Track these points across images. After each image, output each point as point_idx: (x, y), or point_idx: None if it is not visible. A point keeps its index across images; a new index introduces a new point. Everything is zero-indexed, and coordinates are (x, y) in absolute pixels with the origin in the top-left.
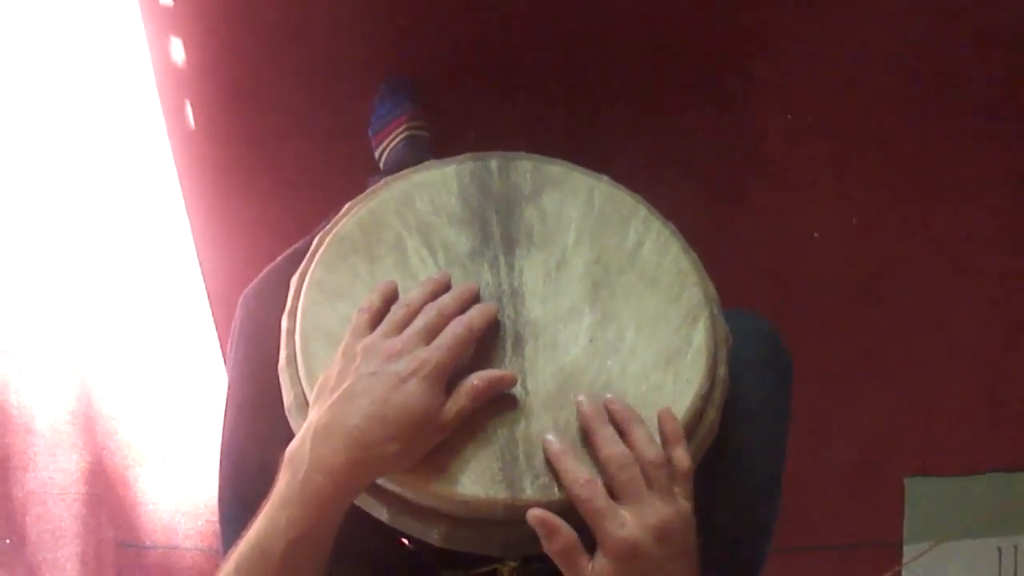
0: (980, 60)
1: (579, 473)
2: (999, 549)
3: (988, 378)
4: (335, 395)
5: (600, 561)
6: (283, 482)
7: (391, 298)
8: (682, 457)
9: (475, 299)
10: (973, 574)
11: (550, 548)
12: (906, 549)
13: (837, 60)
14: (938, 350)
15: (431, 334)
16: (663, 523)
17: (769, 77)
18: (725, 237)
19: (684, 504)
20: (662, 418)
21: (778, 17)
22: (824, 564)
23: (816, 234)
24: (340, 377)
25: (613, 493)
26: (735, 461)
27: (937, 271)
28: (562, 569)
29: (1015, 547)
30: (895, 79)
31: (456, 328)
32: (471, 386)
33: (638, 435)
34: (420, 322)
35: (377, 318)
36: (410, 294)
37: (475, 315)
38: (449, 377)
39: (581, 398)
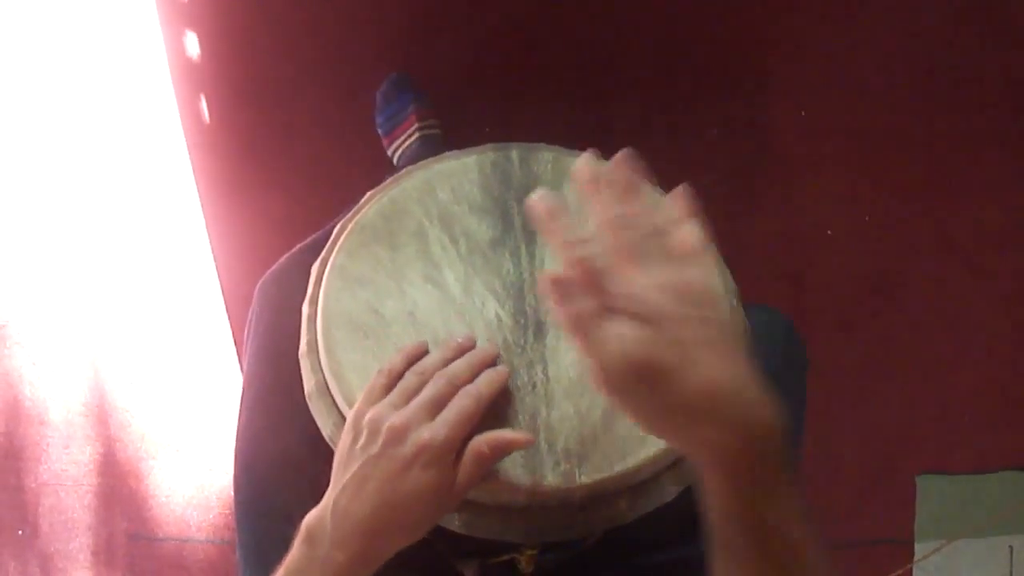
0: (993, 59)
1: (576, 231)
2: (1010, 547)
3: (1000, 376)
4: (347, 476)
5: (619, 326)
6: (301, 554)
7: (415, 360)
8: (694, 230)
9: (491, 362)
10: (984, 572)
11: (567, 312)
12: (917, 547)
13: (851, 58)
14: (950, 348)
15: (437, 406)
16: (685, 284)
17: (783, 75)
18: (738, 234)
19: (703, 272)
20: (673, 194)
21: (792, 15)
22: (835, 561)
23: (829, 232)
24: (350, 456)
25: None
26: None
27: (950, 269)
28: (579, 341)
29: None
30: (908, 77)
31: (462, 401)
32: (478, 453)
33: (644, 199)
34: (427, 393)
35: (394, 382)
36: (426, 359)
37: (483, 384)
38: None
39: (580, 158)
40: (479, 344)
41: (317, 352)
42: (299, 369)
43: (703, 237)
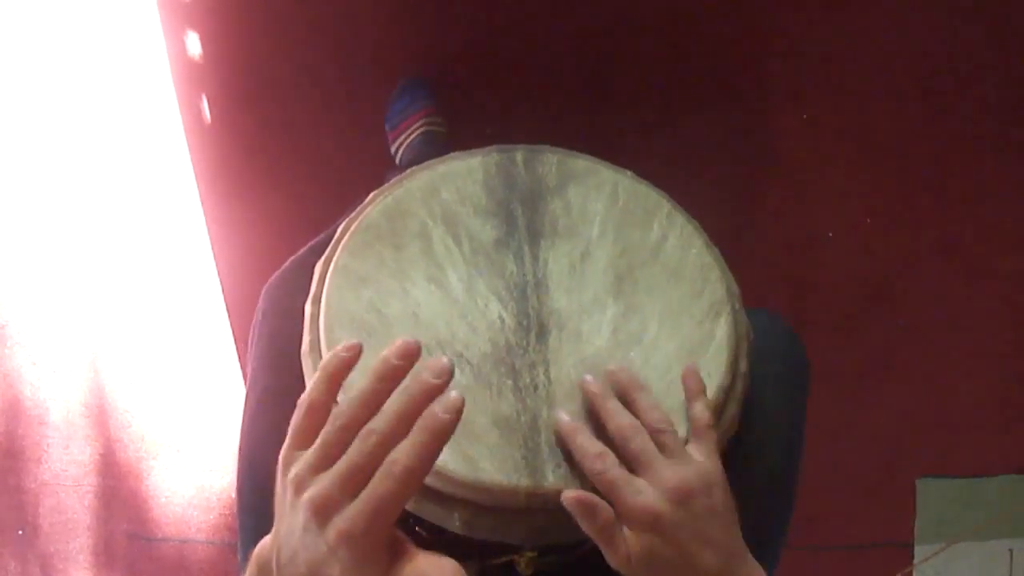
0: (995, 61)
1: (590, 447)
2: (1010, 551)
3: (1001, 380)
4: (283, 528)
5: (627, 535)
6: None
7: (342, 375)
8: (701, 412)
9: (436, 392)
10: None
11: (591, 527)
12: (917, 550)
13: (852, 62)
14: (951, 351)
15: (356, 482)
16: (681, 484)
17: (784, 77)
18: (739, 237)
19: (703, 463)
20: (685, 374)
21: (793, 18)
22: (836, 564)
23: (830, 234)
24: (281, 508)
25: (627, 465)
26: (751, 458)
27: (951, 272)
28: (602, 547)
29: None
30: (910, 80)
31: (382, 486)
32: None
33: (641, 403)
34: (344, 463)
35: (322, 421)
36: (348, 401)
37: (414, 452)
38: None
39: (587, 376)
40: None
41: (319, 351)
42: (303, 373)
43: (709, 419)
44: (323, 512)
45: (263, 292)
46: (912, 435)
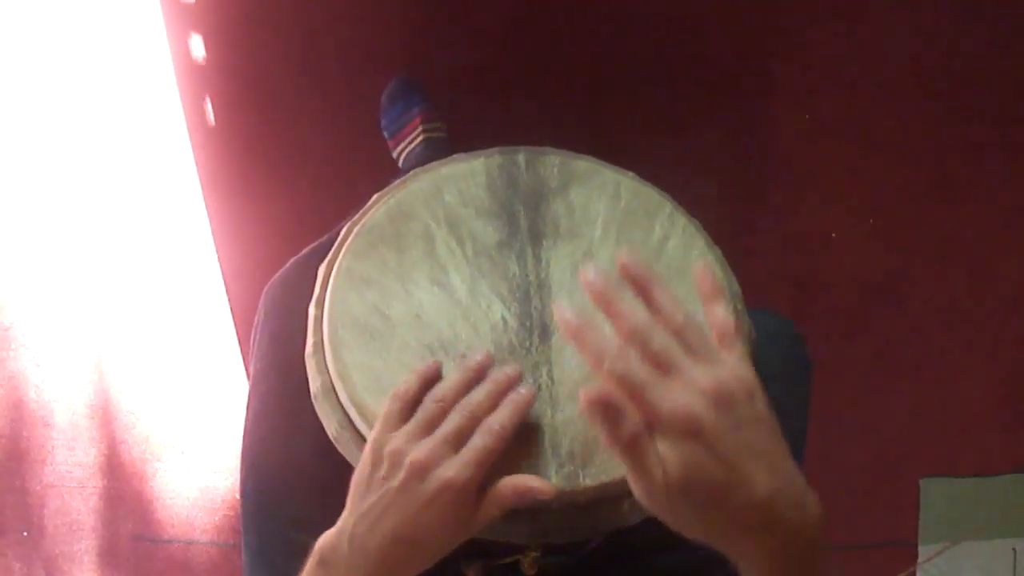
0: (998, 62)
1: (607, 343)
2: (1014, 550)
3: (1005, 379)
4: (365, 504)
5: (662, 446)
6: None
7: (431, 381)
8: (724, 316)
9: (513, 385)
10: (988, 575)
11: (616, 438)
12: (921, 549)
13: (854, 62)
14: (954, 351)
15: (459, 440)
16: (718, 385)
17: (787, 77)
18: (743, 237)
19: (738, 364)
20: (698, 275)
21: (796, 18)
22: (840, 563)
23: (834, 234)
24: (369, 484)
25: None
26: None
27: (954, 272)
28: (631, 470)
29: None
30: (912, 80)
31: (485, 439)
32: (501, 497)
33: (661, 299)
34: (448, 426)
35: (411, 406)
36: (444, 384)
37: (506, 416)
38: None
39: (588, 269)
40: (477, 342)
41: (323, 353)
42: (306, 372)
43: (734, 322)
44: (426, 468)
45: (264, 293)
46: (916, 434)
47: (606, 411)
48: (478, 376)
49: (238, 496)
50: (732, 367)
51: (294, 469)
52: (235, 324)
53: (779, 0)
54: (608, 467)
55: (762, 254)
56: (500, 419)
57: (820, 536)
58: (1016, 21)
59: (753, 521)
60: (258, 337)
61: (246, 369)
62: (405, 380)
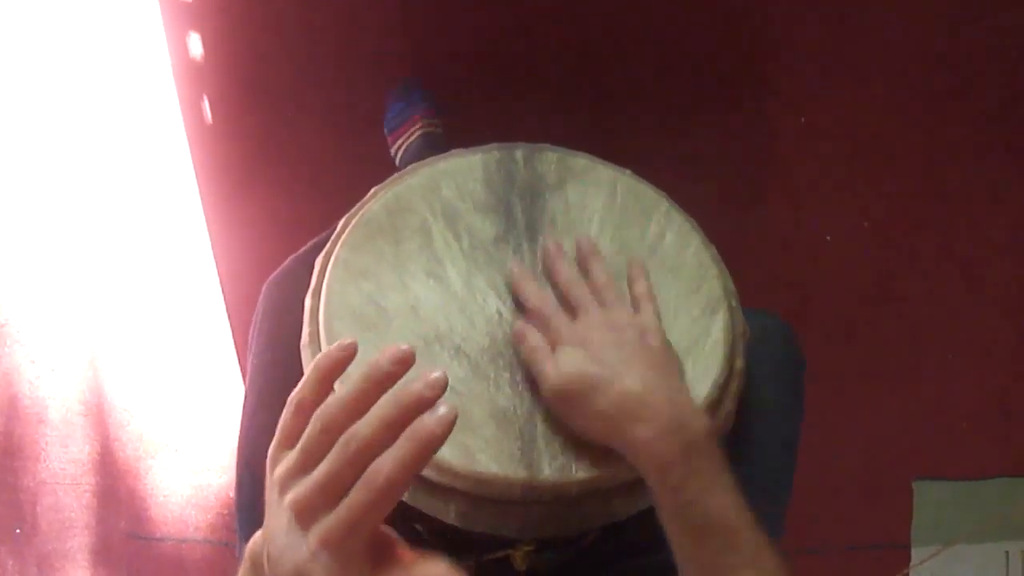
0: (993, 66)
1: (534, 288)
2: (1007, 553)
3: (998, 382)
4: (271, 524)
5: (559, 354)
6: None
7: (335, 374)
8: (641, 285)
9: (423, 406)
10: None
11: (523, 349)
12: (914, 552)
13: (851, 65)
14: (948, 354)
15: (337, 489)
16: (612, 320)
17: (783, 80)
18: (737, 239)
19: (642, 316)
20: (628, 263)
21: (792, 21)
22: (831, 566)
23: (828, 237)
24: (270, 504)
25: (568, 312)
26: (747, 455)
27: (948, 275)
28: (533, 370)
29: (1022, 552)
30: (907, 84)
31: (362, 496)
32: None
33: (592, 266)
34: (324, 468)
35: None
36: (330, 401)
37: (395, 465)
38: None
39: (549, 243)
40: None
41: (319, 343)
42: (302, 369)
43: (648, 291)
44: (304, 516)
45: (263, 289)
46: (909, 437)
47: (517, 334)
48: (380, 388)
49: (232, 494)
50: (632, 313)
51: None
52: (230, 323)
53: (776, 3)
54: (599, 460)
55: (757, 256)
56: (387, 470)
57: (708, 449)
58: (1012, 24)
59: (627, 411)
60: (256, 333)
61: (241, 368)
62: (303, 381)
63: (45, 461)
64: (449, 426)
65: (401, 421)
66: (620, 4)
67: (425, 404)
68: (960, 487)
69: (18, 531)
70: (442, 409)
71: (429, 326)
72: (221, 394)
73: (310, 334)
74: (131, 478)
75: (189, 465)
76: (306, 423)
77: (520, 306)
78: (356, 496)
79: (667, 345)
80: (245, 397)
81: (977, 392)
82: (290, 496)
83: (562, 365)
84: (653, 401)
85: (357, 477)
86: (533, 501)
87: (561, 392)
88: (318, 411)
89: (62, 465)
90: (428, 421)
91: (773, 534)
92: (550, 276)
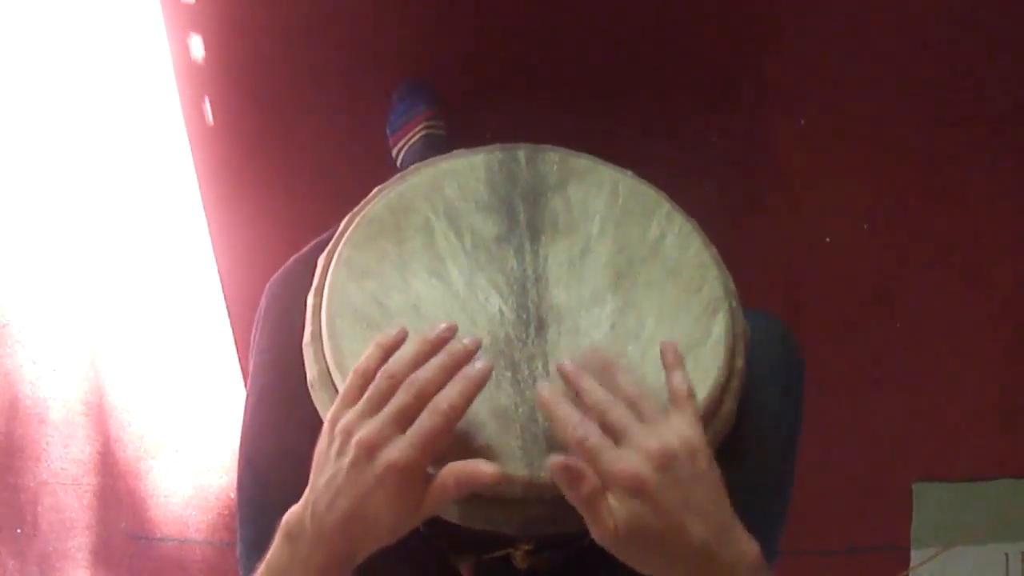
0: (992, 68)
1: (572, 416)
2: (1006, 555)
3: (997, 384)
4: (322, 480)
5: (614, 501)
6: (283, 552)
7: (392, 353)
8: (680, 381)
9: (468, 358)
10: None
11: (576, 496)
12: (913, 554)
13: (850, 66)
14: (948, 355)
15: (406, 419)
16: (662, 449)
17: (782, 82)
18: (737, 241)
19: (683, 428)
20: (663, 348)
21: (792, 23)
22: (831, 567)
23: (828, 239)
24: (326, 460)
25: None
26: (747, 457)
27: (947, 277)
28: (588, 518)
29: (1022, 553)
30: (907, 86)
31: (431, 420)
32: (443, 488)
33: (618, 378)
34: (394, 404)
35: (370, 382)
36: (396, 359)
37: (455, 394)
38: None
39: (564, 361)
40: (474, 334)
41: (321, 341)
42: (303, 367)
43: (688, 388)
44: (372, 448)
45: (266, 289)
46: (908, 439)
47: (569, 474)
48: (435, 349)
49: (233, 495)
50: (678, 430)
51: (290, 460)
52: (231, 323)
53: (776, 4)
54: None
55: (756, 257)
56: (449, 397)
57: (760, 571)
58: (1010, 27)
59: (691, 562)
60: (258, 332)
61: (242, 369)
62: (367, 354)
63: (46, 461)
64: (488, 371)
65: (452, 368)
66: (622, 6)
67: (469, 355)
68: (960, 489)
69: (19, 531)
70: (479, 362)
71: (431, 324)
72: (222, 395)
73: (312, 332)
74: (132, 478)
75: (190, 465)
76: (366, 386)
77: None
78: (424, 419)
79: (710, 458)
80: (247, 396)
81: (976, 393)
82: (359, 434)
83: (620, 517)
84: (714, 550)
85: (420, 410)
86: (534, 500)
87: (618, 542)
88: (382, 369)
89: (63, 465)
90: (475, 365)
91: (773, 536)
92: (577, 394)
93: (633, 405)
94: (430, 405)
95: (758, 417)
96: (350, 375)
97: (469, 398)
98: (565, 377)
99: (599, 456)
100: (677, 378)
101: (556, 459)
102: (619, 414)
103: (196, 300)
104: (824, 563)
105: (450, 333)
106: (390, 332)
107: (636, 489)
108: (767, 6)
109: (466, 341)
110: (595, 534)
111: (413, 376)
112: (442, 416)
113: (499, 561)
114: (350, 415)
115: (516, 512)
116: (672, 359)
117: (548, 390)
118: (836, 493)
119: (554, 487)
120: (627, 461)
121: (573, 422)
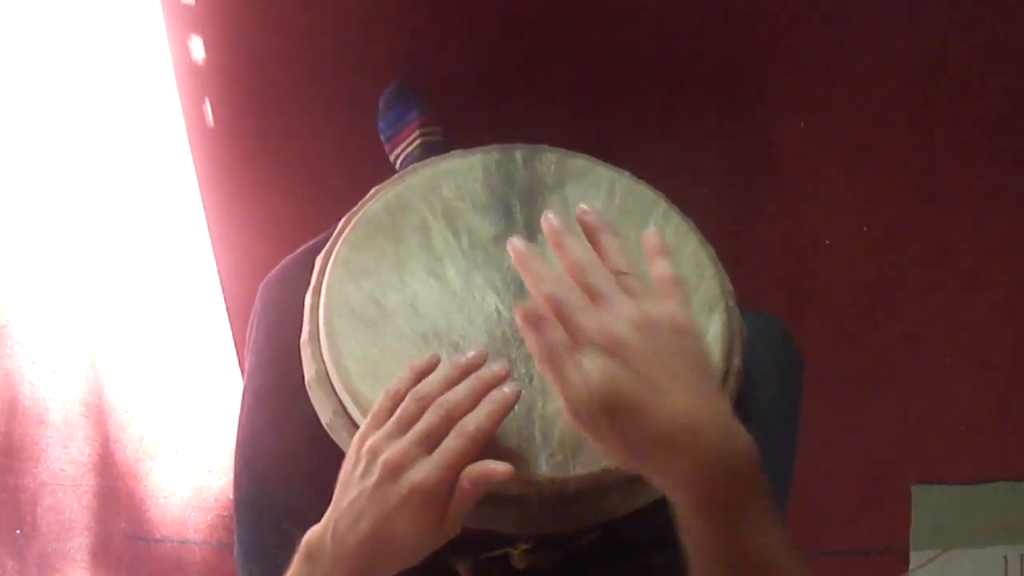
0: (992, 72)
1: (547, 271)
2: (1005, 558)
3: (997, 387)
4: (346, 501)
5: (586, 361)
6: (302, 571)
7: (424, 377)
8: (664, 268)
9: (496, 383)
10: None
11: (540, 347)
12: (913, 556)
13: (850, 69)
14: (947, 358)
15: (432, 441)
16: (643, 315)
17: (782, 85)
18: (736, 243)
19: (671, 304)
20: (644, 237)
21: (792, 25)
22: (831, 570)
23: (827, 241)
24: (350, 481)
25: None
26: None
27: (947, 279)
28: (553, 377)
29: (1021, 556)
30: (907, 89)
31: (457, 441)
32: (462, 491)
33: (608, 244)
34: (422, 425)
35: (399, 404)
36: (426, 382)
37: (482, 417)
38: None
39: (548, 213)
40: (470, 333)
41: (318, 341)
42: (300, 367)
43: (674, 273)
44: (398, 468)
45: (261, 288)
46: (908, 441)
47: (534, 322)
48: (464, 373)
49: (232, 490)
50: (664, 305)
51: (288, 460)
52: (231, 324)
53: (775, 6)
54: (597, 457)
55: (755, 259)
56: (476, 420)
57: (756, 483)
58: (1009, 29)
59: (673, 439)
60: (254, 332)
61: (241, 369)
62: (399, 377)
63: (45, 462)
64: (516, 396)
65: (481, 392)
66: (620, 7)
67: (498, 380)
68: (959, 491)
69: (18, 532)
70: (507, 386)
71: (428, 324)
72: (221, 395)
73: (310, 332)
74: (131, 479)
75: (189, 466)
76: (395, 408)
77: (518, 298)
78: (451, 441)
79: (703, 343)
80: (243, 396)
81: (976, 396)
82: (385, 455)
83: (592, 375)
84: (701, 429)
85: (447, 432)
86: (531, 497)
87: (590, 408)
88: (415, 389)
89: (62, 466)
90: (503, 388)
91: None
92: (558, 256)
93: (618, 275)
94: (457, 427)
95: (755, 419)
96: (382, 395)
97: (497, 421)
98: (548, 231)
99: (572, 313)
100: (661, 264)
101: (520, 304)
102: (601, 277)
103: (196, 301)
104: (823, 565)
105: (480, 359)
106: (423, 356)
107: (613, 347)
108: (767, 8)
109: (495, 367)
110: (564, 400)
111: (442, 398)
112: (469, 438)
113: (497, 561)
114: (377, 436)
115: (513, 511)
116: (655, 246)
117: (520, 243)
118: (835, 495)
119: (552, 486)
120: (602, 318)
121: (548, 277)
